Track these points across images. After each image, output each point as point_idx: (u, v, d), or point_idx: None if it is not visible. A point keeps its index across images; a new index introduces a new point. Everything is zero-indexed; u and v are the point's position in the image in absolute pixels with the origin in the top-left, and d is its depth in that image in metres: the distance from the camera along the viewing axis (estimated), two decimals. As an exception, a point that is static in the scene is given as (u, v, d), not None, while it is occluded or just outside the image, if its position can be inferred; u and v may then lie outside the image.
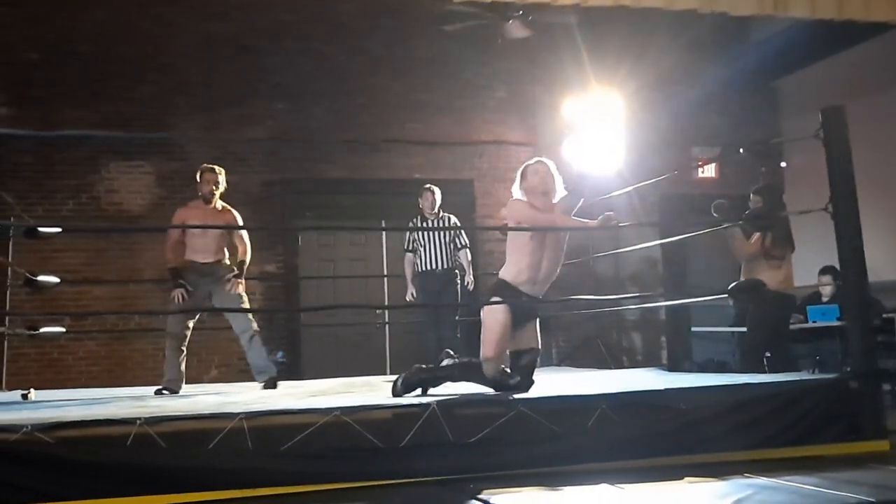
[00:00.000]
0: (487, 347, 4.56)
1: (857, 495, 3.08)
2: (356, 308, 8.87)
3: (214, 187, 6.19)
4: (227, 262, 6.20)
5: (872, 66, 8.92)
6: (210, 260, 6.13)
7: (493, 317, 4.58)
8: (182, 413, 3.66)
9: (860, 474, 3.59)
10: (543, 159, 4.90)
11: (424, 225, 7.53)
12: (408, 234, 7.63)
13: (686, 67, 9.34)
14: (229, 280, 6.00)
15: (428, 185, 7.59)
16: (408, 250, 7.58)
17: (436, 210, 7.51)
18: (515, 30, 8.30)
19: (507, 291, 4.63)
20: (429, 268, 7.40)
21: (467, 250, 7.57)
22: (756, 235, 6.33)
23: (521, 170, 4.89)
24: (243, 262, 6.14)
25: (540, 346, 4.82)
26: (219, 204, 6.28)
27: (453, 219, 7.62)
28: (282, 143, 9.39)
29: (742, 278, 6.60)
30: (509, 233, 4.84)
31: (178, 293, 5.95)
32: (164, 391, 5.82)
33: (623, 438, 3.92)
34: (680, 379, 5.23)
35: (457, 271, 7.49)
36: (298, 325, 9.12)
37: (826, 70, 9.50)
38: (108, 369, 8.62)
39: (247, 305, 6.28)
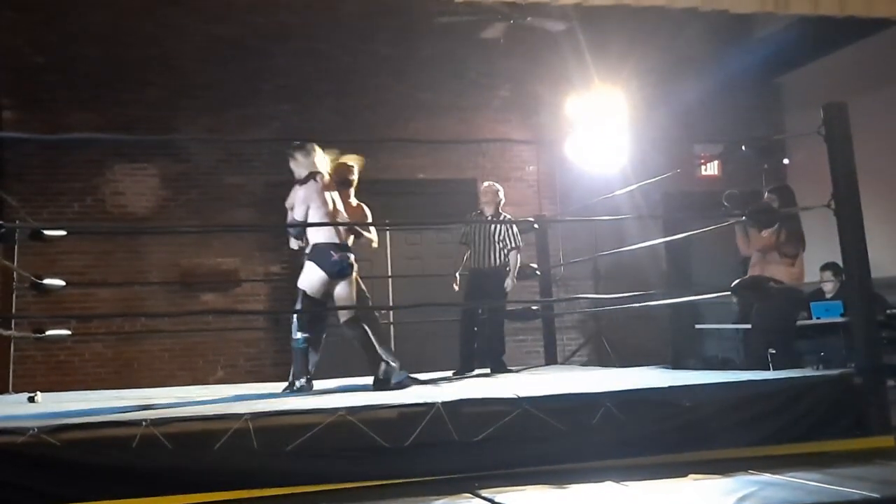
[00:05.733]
0: None
1: (862, 491, 3.09)
2: (363, 310, 8.82)
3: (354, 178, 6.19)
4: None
5: (874, 62, 8.93)
6: None
7: None
8: (187, 414, 3.68)
9: (865, 470, 3.59)
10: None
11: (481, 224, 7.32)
12: (464, 227, 7.47)
13: (688, 64, 9.35)
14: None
15: (488, 182, 7.47)
16: (462, 243, 7.38)
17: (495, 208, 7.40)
18: (495, 30, 8.34)
19: None
20: (479, 265, 7.18)
21: (517, 252, 7.27)
22: (770, 230, 6.33)
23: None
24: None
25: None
26: (353, 201, 6.28)
27: (510, 218, 7.47)
28: (287, 144, 9.39)
29: (751, 273, 6.55)
30: None
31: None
32: (299, 387, 5.73)
33: (628, 436, 3.92)
34: (684, 376, 5.22)
35: (507, 271, 7.22)
36: (303, 326, 9.10)
37: (828, 66, 9.53)
38: (114, 371, 8.65)
39: (368, 300, 6.32)
